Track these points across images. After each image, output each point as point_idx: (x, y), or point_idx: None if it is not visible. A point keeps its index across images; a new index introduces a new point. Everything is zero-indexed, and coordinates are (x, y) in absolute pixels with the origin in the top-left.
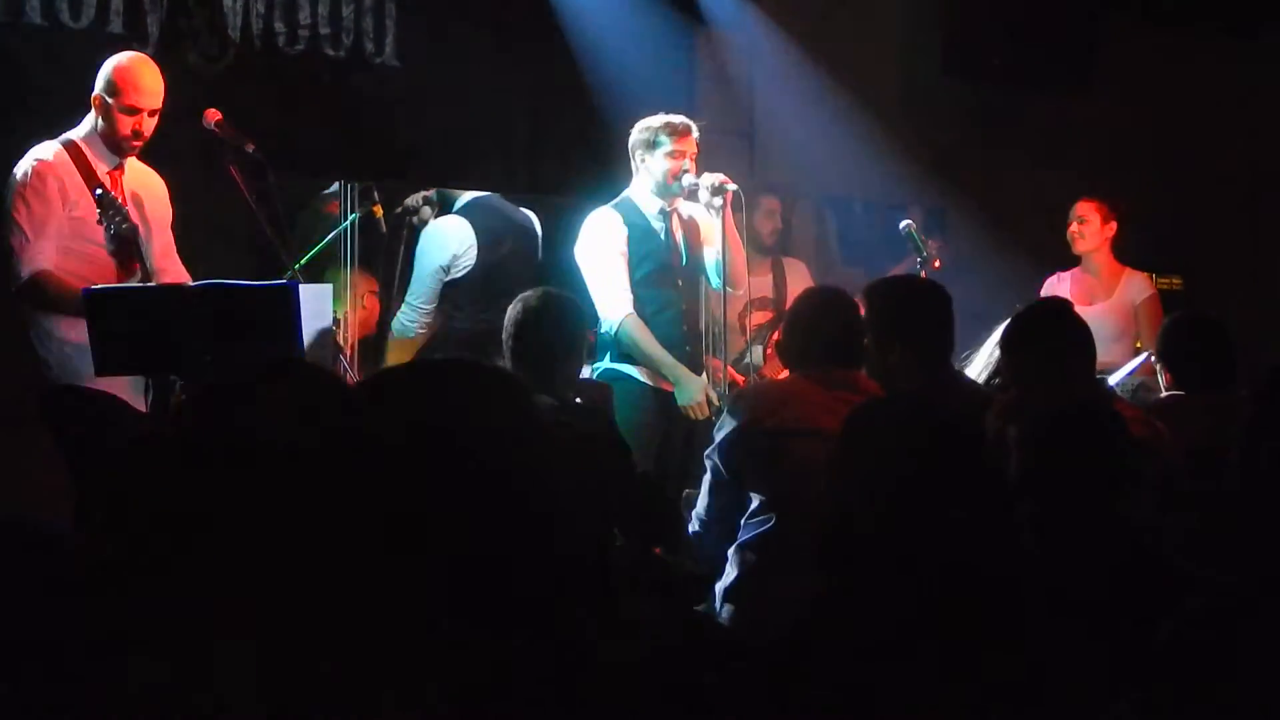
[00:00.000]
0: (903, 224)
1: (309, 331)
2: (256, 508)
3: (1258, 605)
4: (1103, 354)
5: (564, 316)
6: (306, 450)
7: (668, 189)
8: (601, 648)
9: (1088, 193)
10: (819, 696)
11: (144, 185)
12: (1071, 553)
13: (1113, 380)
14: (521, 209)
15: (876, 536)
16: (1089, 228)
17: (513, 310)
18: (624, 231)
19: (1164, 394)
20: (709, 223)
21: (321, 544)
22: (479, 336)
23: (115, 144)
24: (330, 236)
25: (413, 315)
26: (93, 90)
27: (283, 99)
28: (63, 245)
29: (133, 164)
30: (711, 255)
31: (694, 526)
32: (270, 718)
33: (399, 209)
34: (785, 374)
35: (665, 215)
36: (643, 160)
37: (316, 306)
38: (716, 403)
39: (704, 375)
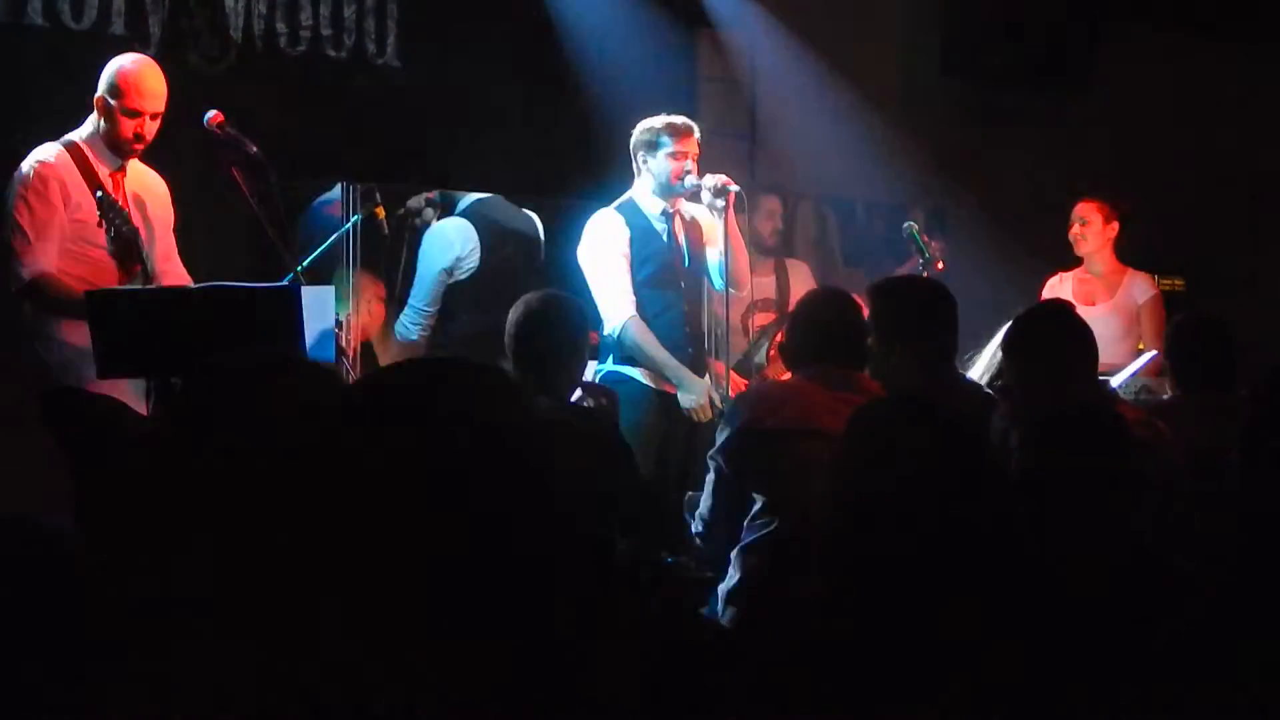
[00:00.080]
0: (905, 225)
1: (311, 333)
2: (252, 507)
3: (1258, 605)
4: (1105, 355)
5: (566, 318)
6: (302, 449)
7: (670, 190)
8: (602, 650)
9: (1088, 193)
10: (821, 699)
11: (146, 187)
12: (1073, 554)
13: (1115, 381)
14: (524, 210)
15: (878, 538)
16: (1091, 229)
17: (515, 312)
18: (626, 233)
19: (1166, 395)
20: (711, 224)
21: (318, 543)
22: (481, 338)
23: (117, 146)
24: (333, 239)
25: (416, 318)
26: (95, 92)
27: (284, 100)
28: (64, 247)
29: (134, 166)
30: (714, 256)
31: (696, 528)
32: (270, 717)
33: (401, 211)
34: (788, 375)
35: (667, 216)
36: (645, 161)
37: (319, 308)
38: (719, 405)
39: (707, 377)
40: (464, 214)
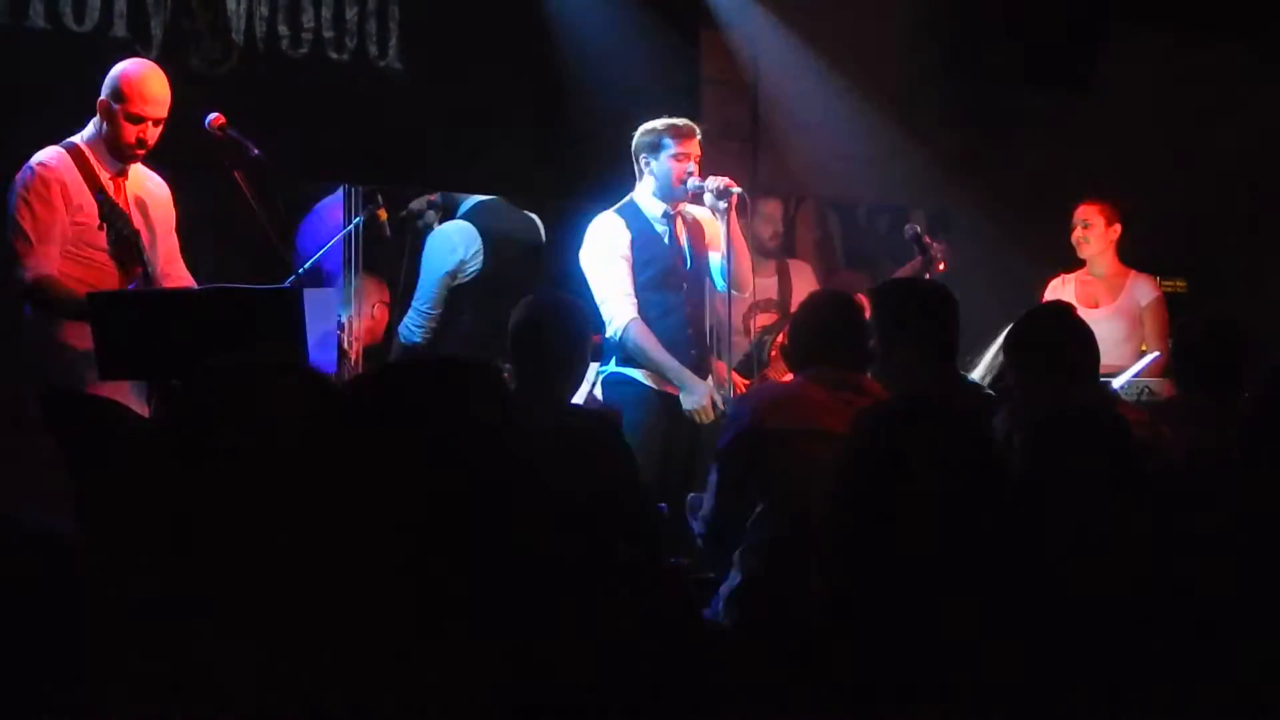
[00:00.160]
0: (907, 226)
1: (313, 335)
2: (251, 507)
3: (1258, 605)
4: (1109, 357)
5: (568, 320)
6: (297, 449)
7: (673, 192)
8: (603, 650)
9: (1090, 196)
10: (821, 699)
11: (147, 190)
12: (1073, 554)
13: (1117, 383)
14: (526, 213)
15: (882, 538)
16: (1093, 231)
17: (517, 314)
18: (627, 236)
19: (1167, 396)
20: (714, 225)
21: (317, 543)
22: (484, 340)
23: (119, 151)
24: (333, 241)
25: (419, 320)
26: (97, 94)
27: (286, 103)
28: (66, 250)
29: (137, 169)
30: (716, 258)
31: (699, 529)
32: (270, 717)
33: (403, 213)
34: (789, 376)
35: (669, 218)
36: (647, 163)
37: (321, 311)
38: (721, 406)
39: (709, 378)
40: (466, 216)
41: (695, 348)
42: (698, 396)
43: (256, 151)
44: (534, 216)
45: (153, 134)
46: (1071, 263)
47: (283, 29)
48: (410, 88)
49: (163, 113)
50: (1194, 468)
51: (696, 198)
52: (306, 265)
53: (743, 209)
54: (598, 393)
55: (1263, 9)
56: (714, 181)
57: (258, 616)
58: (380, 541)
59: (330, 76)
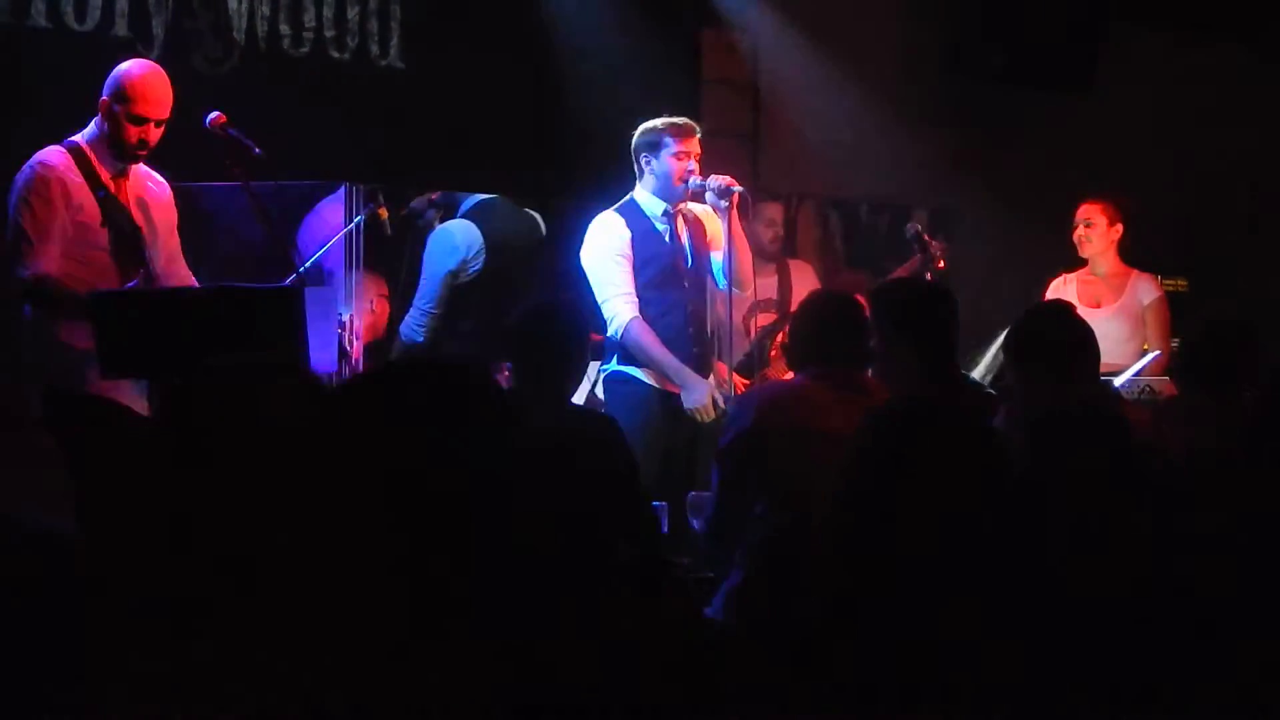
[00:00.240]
0: (908, 226)
1: (314, 335)
2: (250, 507)
3: (1258, 605)
4: (1111, 357)
5: (568, 321)
6: (291, 450)
7: (673, 191)
8: (604, 649)
9: (1092, 195)
10: (822, 699)
11: (149, 190)
12: (1074, 553)
13: (1118, 382)
14: (527, 210)
15: (887, 538)
16: (1095, 230)
17: (517, 315)
18: (627, 235)
19: (1168, 395)
20: (715, 222)
21: (314, 543)
22: (487, 339)
23: (120, 151)
24: (334, 240)
25: (421, 319)
26: (99, 94)
27: (287, 102)
28: (66, 249)
29: (138, 169)
30: (718, 256)
31: (701, 529)
32: (270, 717)
33: (404, 213)
34: (790, 375)
35: (669, 217)
36: (647, 163)
37: (322, 310)
38: (722, 405)
39: (711, 378)
40: (467, 215)
41: (696, 346)
42: (698, 395)
43: (258, 151)
44: (535, 214)
45: (154, 134)
46: (1072, 262)
47: (284, 28)
48: (411, 87)
49: (165, 114)
50: (1194, 467)
51: (697, 196)
52: (307, 264)
53: (744, 208)
54: (599, 391)
55: (1263, 9)
56: (715, 181)
57: (258, 616)
58: (380, 542)
59: (331, 76)
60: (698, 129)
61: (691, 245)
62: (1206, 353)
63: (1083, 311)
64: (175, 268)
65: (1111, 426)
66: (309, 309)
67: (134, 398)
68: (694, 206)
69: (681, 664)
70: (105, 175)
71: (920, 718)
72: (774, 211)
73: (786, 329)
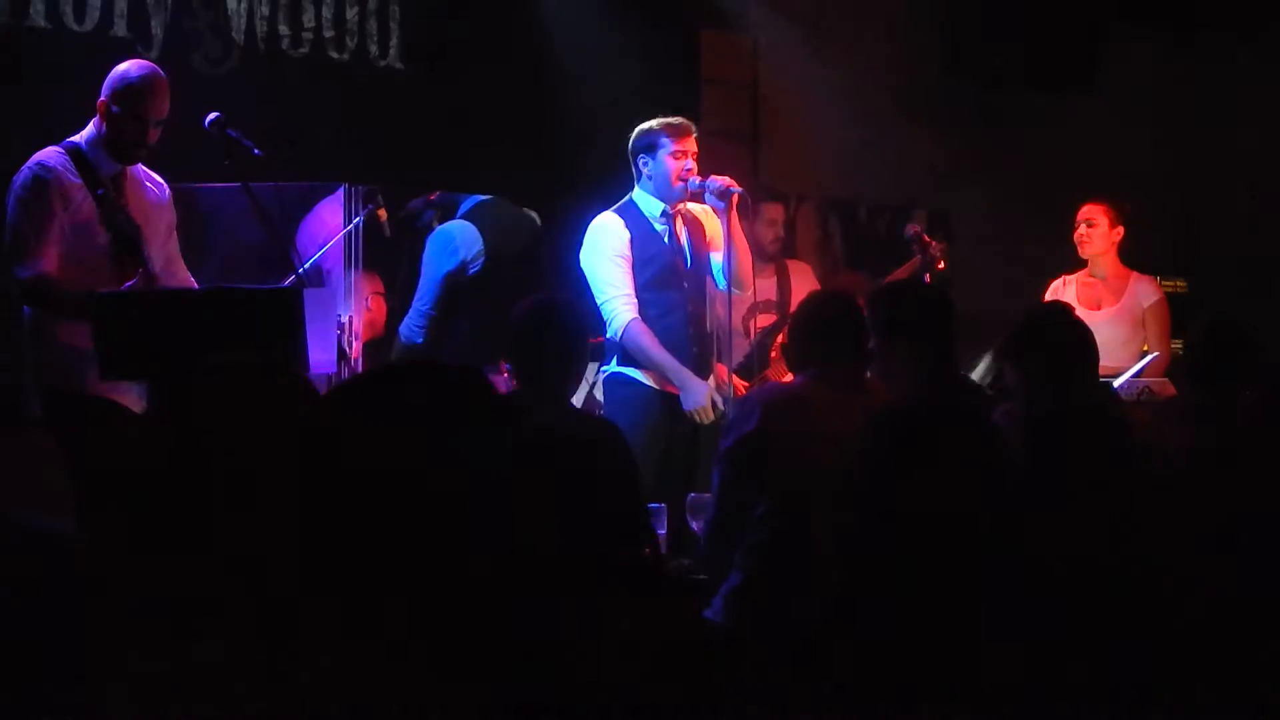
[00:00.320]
0: (908, 228)
1: (313, 336)
2: (250, 506)
3: (1258, 605)
4: (1112, 358)
5: (567, 322)
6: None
7: (671, 191)
8: (604, 650)
9: (1094, 195)
10: (823, 698)
11: (147, 191)
12: (1074, 554)
13: (1118, 383)
14: (526, 211)
15: (884, 539)
16: (1097, 230)
17: (515, 316)
18: (626, 235)
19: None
20: (714, 222)
21: (313, 543)
22: (486, 340)
23: (119, 151)
24: (333, 241)
25: (421, 321)
26: (97, 94)
27: (286, 102)
28: (64, 250)
29: (136, 169)
30: (717, 256)
31: (700, 530)
32: (270, 717)
33: (402, 213)
34: (790, 377)
35: (668, 218)
36: (645, 164)
37: (321, 311)
38: (721, 407)
39: (710, 379)
40: (466, 216)
41: (696, 346)
42: (698, 396)
43: (257, 151)
44: (534, 215)
45: (153, 134)
46: (1072, 262)
47: (283, 29)
48: (410, 88)
49: (163, 113)
50: (1194, 468)
51: (696, 197)
52: (306, 265)
53: (743, 208)
54: (598, 393)
55: (1263, 9)
56: (714, 182)
57: (257, 617)
58: (379, 542)
59: (331, 76)
60: (694, 128)
61: (691, 246)
62: (1207, 353)
63: (1082, 313)
64: (174, 268)
65: (1111, 426)
66: (308, 310)
67: (134, 398)
68: (693, 206)
69: (681, 666)
70: (104, 176)
71: (920, 718)
72: (775, 212)
73: (786, 330)
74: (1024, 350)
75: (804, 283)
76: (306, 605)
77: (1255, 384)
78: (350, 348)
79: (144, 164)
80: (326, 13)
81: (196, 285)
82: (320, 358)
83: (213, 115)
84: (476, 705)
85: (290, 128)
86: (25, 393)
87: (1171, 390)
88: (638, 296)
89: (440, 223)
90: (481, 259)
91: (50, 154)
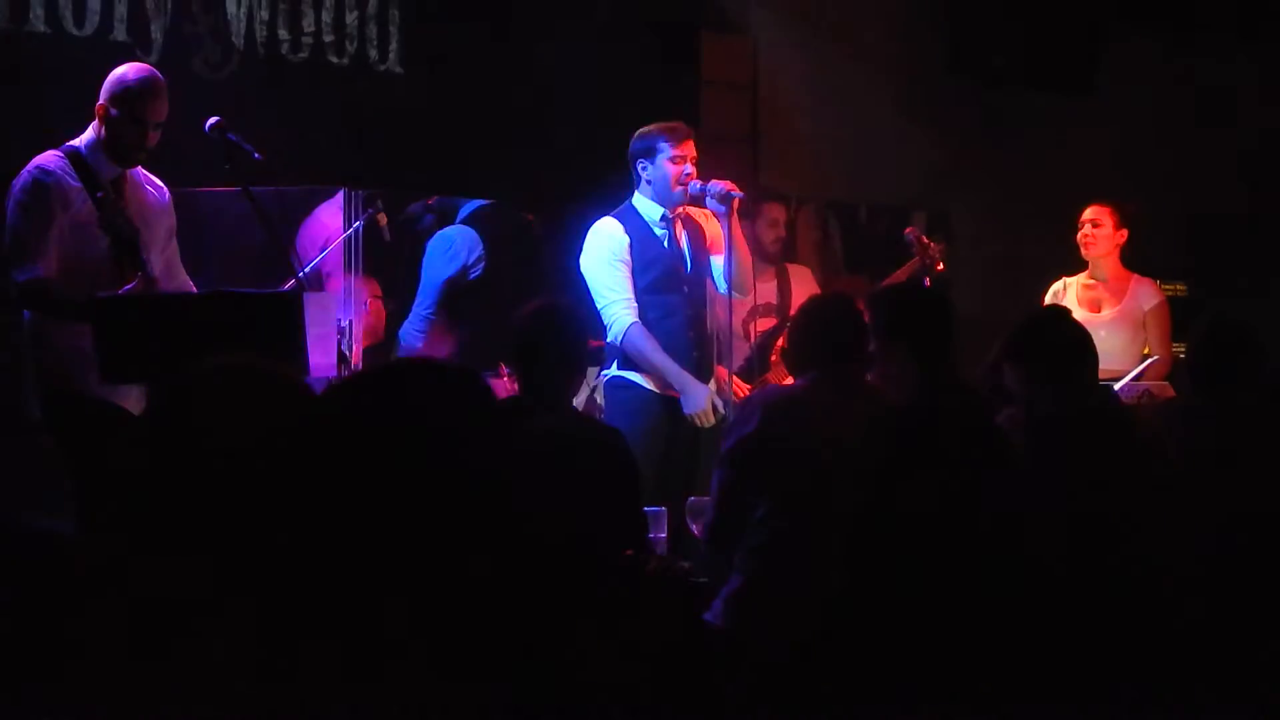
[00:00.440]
0: (908, 231)
1: (313, 339)
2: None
3: (1258, 606)
4: (1113, 362)
5: (569, 326)
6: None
7: (671, 195)
8: (604, 651)
9: (1097, 196)
10: (823, 699)
11: (147, 195)
12: (1075, 555)
13: (1118, 385)
14: (525, 214)
15: (886, 540)
16: (1101, 232)
17: (516, 319)
18: (626, 240)
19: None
20: (714, 225)
21: (315, 543)
22: (487, 344)
23: (118, 155)
24: (333, 245)
25: (421, 325)
26: (97, 98)
27: (286, 106)
28: (63, 254)
29: (136, 173)
30: (718, 260)
31: (700, 533)
32: (268, 715)
33: (402, 217)
34: (790, 380)
35: (668, 222)
36: (644, 168)
37: (321, 315)
38: (721, 410)
39: (711, 382)
40: (466, 220)
41: (696, 350)
42: (698, 400)
43: (257, 155)
44: (533, 219)
45: (152, 138)
46: (1073, 264)
47: (283, 33)
48: (410, 92)
49: (161, 116)
50: (1194, 468)
51: (697, 201)
52: (306, 269)
53: (744, 212)
54: (599, 397)
55: (1263, 9)
56: (715, 186)
57: (258, 617)
58: (378, 543)
59: (330, 80)
60: (693, 132)
61: (691, 249)
62: (1207, 354)
63: (1083, 316)
64: (174, 272)
65: (1112, 428)
66: (308, 314)
67: (134, 401)
68: (693, 210)
69: (680, 668)
70: (103, 179)
71: (920, 718)
72: (776, 212)
73: (786, 333)
74: (1024, 353)
75: (804, 286)
76: (306, 605)
77: (1256, 385)
78: (350, 352)
79: (144, 167)
80: (326, 17)
81: (195, 289)
82: (320, 361)
83: (213, 120)
84: (476, 705)
85: (290, 132)
86: (25, 395)
87: (1172, 394)
88: (638, 300)
89: (440, 227)
90: (482, 263)
91: (49, 158)
